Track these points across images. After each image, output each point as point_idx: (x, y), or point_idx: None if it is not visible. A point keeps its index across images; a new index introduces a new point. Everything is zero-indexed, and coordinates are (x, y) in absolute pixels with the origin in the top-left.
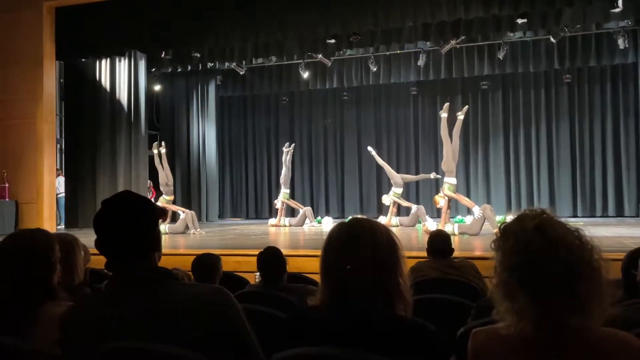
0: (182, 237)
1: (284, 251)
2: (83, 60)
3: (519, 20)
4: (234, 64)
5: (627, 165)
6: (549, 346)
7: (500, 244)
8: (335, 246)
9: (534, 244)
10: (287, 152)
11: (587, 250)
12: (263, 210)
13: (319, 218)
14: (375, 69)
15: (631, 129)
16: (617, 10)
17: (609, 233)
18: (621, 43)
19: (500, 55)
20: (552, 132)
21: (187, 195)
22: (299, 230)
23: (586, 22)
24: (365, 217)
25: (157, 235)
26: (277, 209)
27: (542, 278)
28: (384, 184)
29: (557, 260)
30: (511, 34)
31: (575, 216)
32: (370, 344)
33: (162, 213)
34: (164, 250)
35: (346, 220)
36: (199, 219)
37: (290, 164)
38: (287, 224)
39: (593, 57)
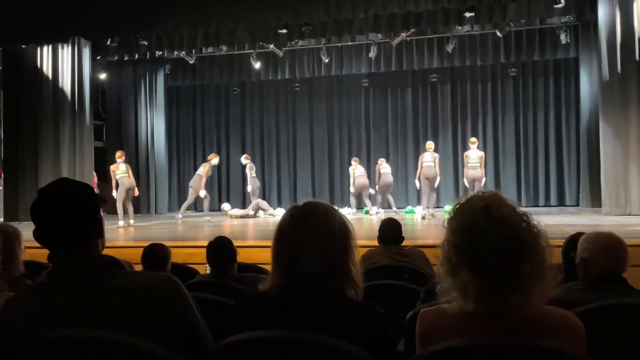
0: (130, 229)
1: (235, 242)
2: (23, 46)
3: (467, 14)
4: (183, 53)
5: (568, 157)
6: (490, 321)
7: (450, 222)
8: (288, 228)
9: (478, 222)
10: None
11: (532, 232)
12: (213, 202)
13: (271, 210)
14: (327, 60)
15: (572, 122)
16: (559, 5)
17: (551, 221)
18: (563, 38)
19: (449, 49)
20: (498, 124)
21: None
22: (250, 222)
23: (530, 17)
24: (319, 200)
25: (99, 221)
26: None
27: (484, 255)
28: (335, 175)
29: (499, 239)
30: (459, 28)
31: (519, 206)
32: (320, 326)
33: (103, 200)
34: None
35: (300, 203)
36: (148, 211)
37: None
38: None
39: (537, 52)
